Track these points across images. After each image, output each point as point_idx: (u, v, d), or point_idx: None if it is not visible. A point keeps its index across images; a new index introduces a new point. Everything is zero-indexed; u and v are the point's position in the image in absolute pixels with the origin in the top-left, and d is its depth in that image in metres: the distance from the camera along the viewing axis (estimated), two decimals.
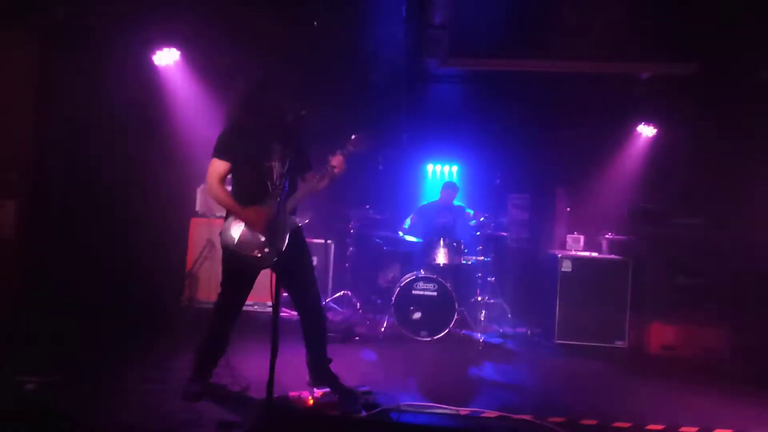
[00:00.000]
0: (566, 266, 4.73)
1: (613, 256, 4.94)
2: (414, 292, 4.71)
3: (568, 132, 6.00)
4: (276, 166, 2.98)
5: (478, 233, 5.17)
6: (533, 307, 5.41)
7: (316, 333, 3.24)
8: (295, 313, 3.32)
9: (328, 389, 3.11)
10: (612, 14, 4.65)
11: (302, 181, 3.17)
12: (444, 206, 5.74)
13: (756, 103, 4.97)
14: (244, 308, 3.28)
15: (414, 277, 4.76)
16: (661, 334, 4.63)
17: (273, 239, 2.68)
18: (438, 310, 4.66)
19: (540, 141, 6.07)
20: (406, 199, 6.37)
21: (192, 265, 5.19)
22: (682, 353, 4.56)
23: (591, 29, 4.84)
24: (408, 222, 5.59)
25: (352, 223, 5.25)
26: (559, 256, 4.77)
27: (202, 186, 5.38)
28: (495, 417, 3.03)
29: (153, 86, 5.13)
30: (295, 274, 3.12)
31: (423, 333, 4.63)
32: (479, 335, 4.69)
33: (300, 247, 3.14)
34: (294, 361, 3.46)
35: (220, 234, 3.03)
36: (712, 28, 4.64)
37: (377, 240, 5.49)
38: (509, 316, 5.38)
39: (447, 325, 4.62)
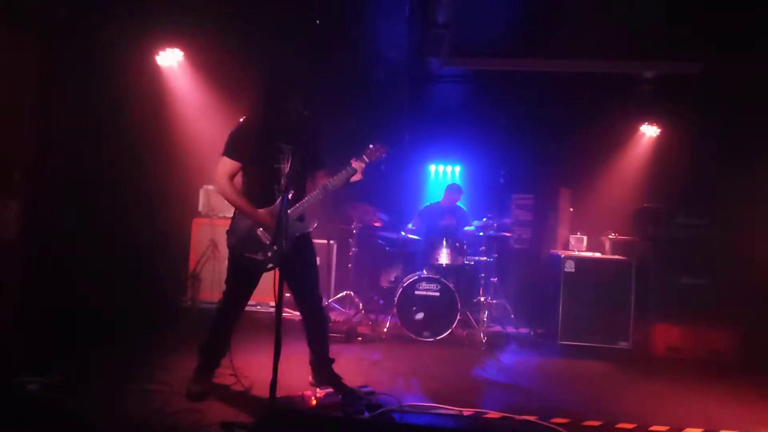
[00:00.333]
0: (569, 267, 4.72)
1: (616, 256, 4.92)
2: (417, 292, 4.70)
3: (571, 132, 6.00)
4: (285, 167, 2.99)
5: (481, 233, 5.17)
6: (536, 307, 5.39)
7: (318, 333, 3.24)
8: (298, 313, 3.32)
9: (330, 390, 3.11)
10: (615, 14, 4.63)
11: (312, 182, 3.18)
12: (447, 208, 5.74)
13: (759, 102, 4.94)
14: (247, 308, 3.29)
15: (417, 277, 4.75)
16: (666, 335, 4.61)
17: (278, 241, 2.68)
18: (441, 311, 4.65)
19: (543, 141, 6.06)
20: (408, 200, 6.37)
21: (194, 266, 5.19)
22: (686, 354, 4.53)
23: (594, 29, 4.82)
24: (411, 225, 5.61)
25: (354, 223, 5.24)
26: (563, 256, 4.75)
27: (204, 186, 5.38)
28: (498, 418, 3.02)
29: (156, 86, 5.13)
30: (299, 276, 3.13)
31: (426, 333, 4.62)
32: (482, 336, 4.67)
33: (306, 250, 3.14)
34: (297, 362, 3.47)
35: (227, 234, 3.03)
36: (715, 27, 4.62)
37: (380, 240, 5.49)
38: (512, 316, 5.37)
39: (450, 326, 4.61)
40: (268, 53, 4.90)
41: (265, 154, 2.98)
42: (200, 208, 5.38)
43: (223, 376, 3.20)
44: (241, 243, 2.99)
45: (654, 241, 4.78)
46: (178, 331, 4.46)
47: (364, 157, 3.14)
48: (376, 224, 5.27)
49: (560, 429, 2.88)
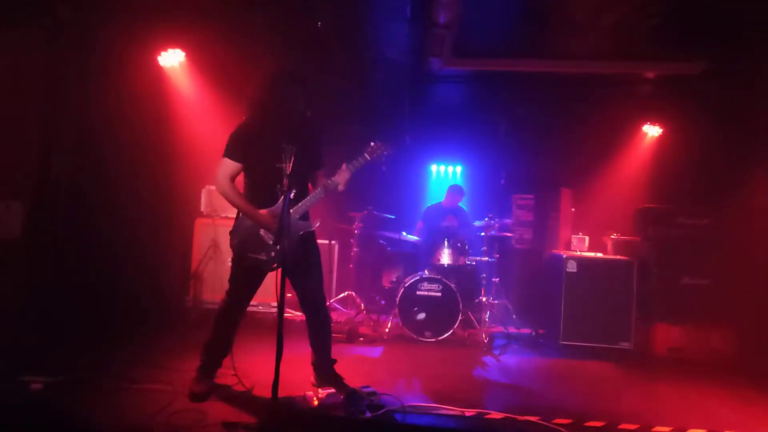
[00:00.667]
0: (571, 267, 4.71)
1: (618, 256, 4.91)
2: (418, 292, 4.70)
3: (572, 132, 5.99)
4: (287, 167, 2.99)
5: (482, 234, 5.17)
6: (538, 307, 5.39)
7: (321, 334, 3.25)
8: (300, 313, 3.33)
9: (332, 390, 3.11)
10: (617, 14, 4.62)
11: (312, 182, 3.18)
12: (449, 209, 5.75)
13: (761, 102, 4.93)
14: (249, 309, 3.29)
15: (418, 277, 4.76)
16: (667, 335, 4.61)
17: (281, 241, 2.69)
18: (442, 311, 4.65)
19: (544, 141, 6.06)
20: (410, 200, 6.37)
21: (197, 266, 5.20)
22: (688, 354, 4.53)
23: (596, 29, 4.82)
24: (417, 229, 5.63)
25: (356, 223, 5.25)
26: (564, 256, 4.75)
27: (206, 187, 5.39)
28: (500, 418, 3.02)
29: (158, 87, 5.14)
30: (302, 277, 3.13)
31: (427, 333, 4.62)
32: (484, 336, 4.68)
33: (309, 250, 3.15)
34: (299, 362, 3.47)
35: (230, 234, 3.04)
36: (717, 26, 4.61)
37: (381, 241, 5.49)
38: (514, 316, 5.37)
39: (451, 326, 4.61)
40: (270, 54, 4.91)
41: (267, 154, 2.98)
42: (202, 208, 5.39)
43: (225, 376, 3.21)
44: (244, 243, 3.00)
45: (655, 241, 4.78)
46: (180, 331, 4.47)
47: (365, 154, 3.14)
48: (381, 220, 5.27)
49: (562, 429, 2.88)
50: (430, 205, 5.99)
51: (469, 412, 3.04)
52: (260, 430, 2.58)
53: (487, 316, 4.93)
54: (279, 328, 2.48)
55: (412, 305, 4.68)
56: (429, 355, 4.29)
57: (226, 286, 3.16)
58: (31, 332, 3.75)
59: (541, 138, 6.08)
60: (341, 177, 3.09)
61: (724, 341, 4.53)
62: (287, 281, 2.81)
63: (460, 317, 4.63)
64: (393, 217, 5.28)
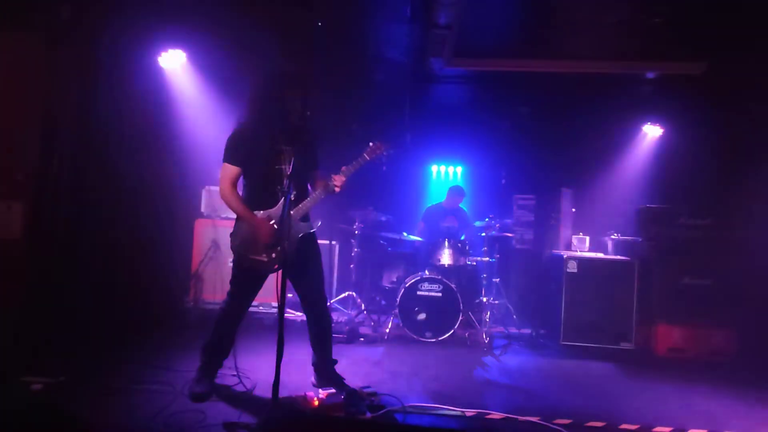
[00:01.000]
0: (572, 267, 4.71)
1: (619, 256, 4.91)
2: (419, 292, 4.70)
3: (573, 132, 5.99)
4: (285, 169, 2.98)
5: (483, 234, 5.17)
6: (538, 308, 5.39)
7: (322, 334, 3.25)
8: (301, 314, 3.33)
9: (333, 390, 3.11)
10: (618, 14, 4.62)
11: (311, 183, 3.18)
12: (449, 210, 5.75)
13: (763, 102, 4.93)
14: (250, 309, 3.29)
15: (419, 277, 4.75)
16: (668, 336, 4.61)
17: (281, 243, 2.69)
18: (443, 311, 4.65)
19: (545, 141, 6.06)
20: (410, 200, 6.37)
21: (197, 266, 5.20)
22: (689, 355, 4.53)
23: (597, 29, 4.82)
24: (418, 230, 5.64)
25: (356, 224, 5.25)
26: (565, 256, 4.75)
27: (207, 187, 5.39)
28: (501, 418, 3.01)
29: (159, 88, 5.14)
30: (304, 277, 3.14)
31: (428, 334, 4.62)
32: (484, 336, 4.67)
33: (310, 251, 3.15)
34: (299, 362, 3.47)
35: (231, 236, 3.04)
36: (719, 27, 4.61)
37: (382, 241, 5.49)
38: (514, 317, 5.37)
39: (452, 326, 4.61)
40: (271, 54, 4.91)
41: (266, 156, 2.98)
42: (202, 208, 5.39)
43: (225, 376, 3.21)
44: (245, 245, 3.00)
45: (656, 241, 4.78)
46: (181, 331, 4.47)
47: (364, 155, 3.15)
48: (381, 220, 5.27)
49: (563, 430, 2.87)
50: (430, 205, 5.99)
51: (470, 413, 3.03)
52: (260, 430, 2.57)
53: (487, 316, 4.93)
54: (279, 328, 2.47)
55: (413, 305, 4.67)
56: (429, 356, 4.29)
57: (227, 286, 3.16)
58: (32, 332, 3.75)
59: (542, 138, 6.08)
60: (340, 178, 3.09)
61: (725, 341, 4.53)
62: (288, 281, 2.81)
63: (460, 317, 4.63)
64: (385, 219, 5.27)
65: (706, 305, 4.55)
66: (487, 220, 5.19)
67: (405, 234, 5.28)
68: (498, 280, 5.37)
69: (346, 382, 3.21)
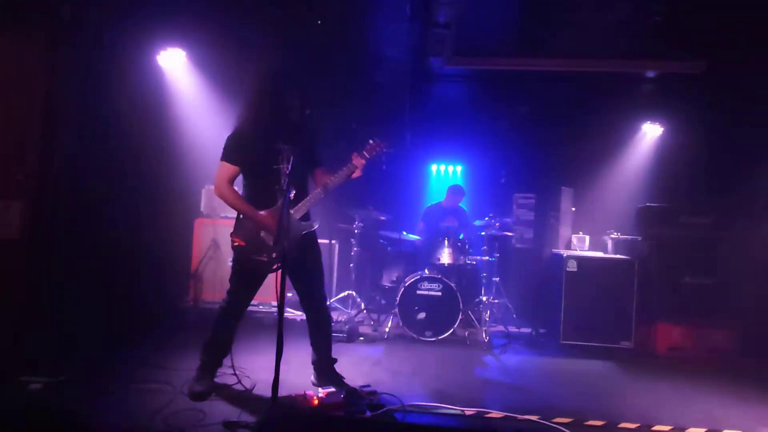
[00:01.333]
0: (572, 266, 4.71)
1: (618, 255, 4.91)
2: (418, 292, 4.70)
3: (573, 131, 5.99)
4: (285, 168, 2.98)
5: (483, 233, 5.16)
6: (538, 307, 5.38)
7: (321, 333, 3.25)
8: (300, 313, 3.33)
9: (333, 389, 3.11)
10: (618, 13, 4.62)
11: (312, 181, 3.18)
12: (449, 209, 5.75)
13: (763, 101, 4.93)
14: (250, 308, 3.29)
15: (418, 277, 4.75)
16: (668, 335, 4.61)
17: (282, 241, 2.69)
18: (442, 310, 4.65)
19: (545, 140, 6.06)
20: (410, 200, 6.37)
21: (197, 266, 5.20)
22: (688, 354, 4.53)
23: (596, 27, 4.82)
24: (418, 229, 5.63)
25: (356, 223, 5.25)
26: (565, 255, 4.75)
27: (206, 187, 5.39)
28: (500, 417, 3.01)
29: (158, 87, 5.14)
30: (304, 276, 3.14)
31: (427, 333, 4.62)
32: (484, 335, 4.67)
33: (310, 250, 3.14)
34: (299, 361, 3.47)
35: (231, 236, 3.04)
36: (719, 26, 4.61)
37: (381, 240, 5.49)
38: (514, 316, 5.36)
39: (452, 325, 4.61)
40: (270, 53, 4.91)
41: (265, 155, 2.98)
42: (202, 208, 5.39)
43: (225, 375, 3.21)
44: (245, 244, 2.99)
45: (656, 240, 4.77)
46: (180, 330, 4.47)
47: (364, 153, 3.14)
48: (381, 219, 5.27)
49: (562, 429, 2.87)
50: (430, 204, 5.99)
51: (469, 411, 3.04)
52: (260, 429, 2.57)
53: (487, 315, 4.93)
54: (279, 327, 2.47)
55: (413, 305, 4.67)
56: (429, 355, 4.29)
57: (226, 286, 3.16)
58: (32, 332, 3.75)
59: (542, 137, 6.08)
60: (341, 176, 3.09)
61: (725, 341, 4.53)
62: (288, 281, 2.81)
63: (460, 317, 4.63)
64: (385, 218, 5.26)
65: (706, 304, 4.55)
66: (486, 219, 5.19)
67: (405, 233, 5.28)
68: (498, 279, 5.37)
69: (345, 381, 3.21)
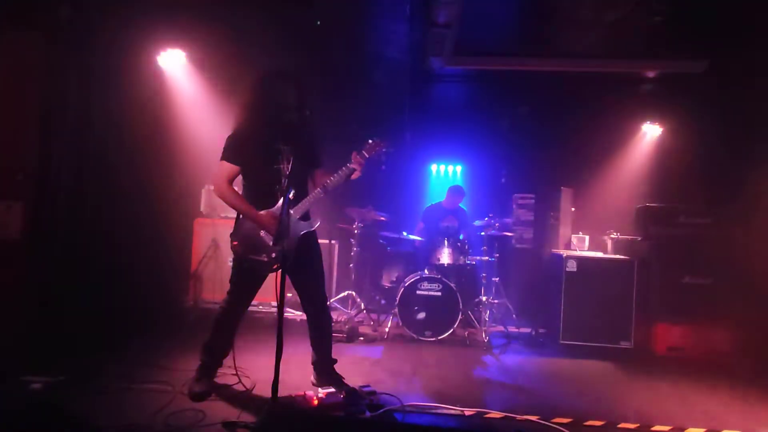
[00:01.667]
0: (571, 266, 4.71)
1: (618, 255, 4.91)
2: (418, 292, 4.70)
3: (573, 131, 5.99)
4: (285, 168, 2.98)
5: (482, 233, 5.17)
6: (538, 307, 5.39)
7: (321, 334, 3.25)
8: (300, 313, 3.33)
9: (332, 389, 3.11)
10: (618, 12, 4.62)
11: (311, 181, 3.18)
12: (449, 209, 5.75)
13: (763, 101, 4.93)
14: (250, 308, 3.29)
15: (418, 277, 4.75)
16: (668, 335, 4.61)
17: (282, 241, 2.69)
18: (442, 310, 4.65)
19: (545, 140, 6.06)
20: (410, 200, 6.37)
21: (197, 266, 5.21)
22: (688, 354, 4.52)
23: (597, 28, 4.82)
24: (417, 229, 5.63)
25: (356, 223, 5.25)
26: (564, 255, 4.75)
27: (206, 187, 5.40)
28: (500, 417, 3.02)
29: (158, 87, 5.14)
30: (304, 277, 3.14)
31: (427, 333, 4.62)
32: (484, 335, 4.67)
33: (310, 251, 3.15)
34: (299, 361, 3.48)
35: (231, 236, 3.04)
36: (720, 25, 4.61)
37: (381, 240, 5.49)
38: (514, 316, 5.37)
39: (451, 325, 4.61)
40: (270, 53, 4.91)
41: (265, 155, 2.98)
42: (202, 208, 5.39)
43: (225, 375, 3.21)
44: (245, 244, 3.00)
45: (656, 240, 4.77)
46: (180, 330, 4.48)
47: (363, 152, 3.14)
48: (381, 219, 5.27)
49: (562, 429, 2.87)
50: (430, 204, 5.99)
51: (469, 412, 3.04)
52: (260, 429, 2.58)
53: (487, 315, 4.93)
54: (279, 327, 2.48)
55: (412, 305, 4.68)
56: (429, 355, 4.29)
57: (226, 286, 3.16)
58: (31, 332, 3.75)
59: (542, 137, 6.08)
60: (340, 176, 3.09)
61: (725, 341, 4.53)
62: (288, 281, 2.81)
63: (460, 317, 4.63)
64: (384, 218, 5.26)
65: (706, 304, 4.55)
66: (486, 219, 5.19)
67: (405, 233, 5.28)
68: (497, 279, 5.37)
69: (345, 381, 3.21)
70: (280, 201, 2.91)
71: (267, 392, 2.53)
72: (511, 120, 6.24)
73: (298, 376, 3.34)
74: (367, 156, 3.13)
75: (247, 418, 2.75)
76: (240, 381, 3.15)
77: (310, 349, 3.28)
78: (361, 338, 4.65)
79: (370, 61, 5.60)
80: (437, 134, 6.39)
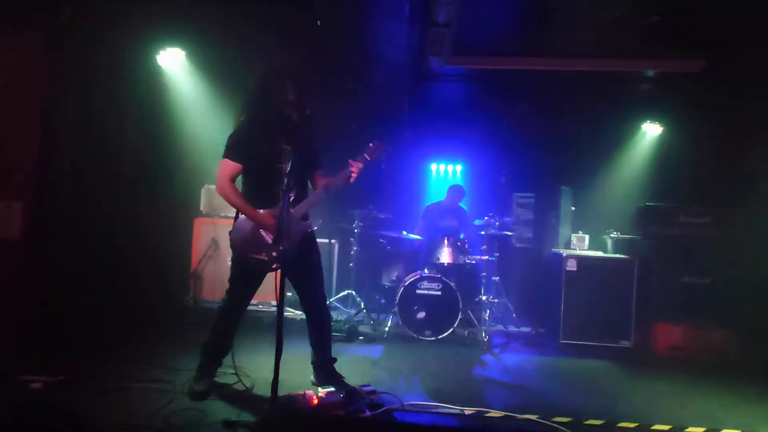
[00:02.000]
0: (571, 265, 4.71)
1: (618, 255, 4.91)
2: (418, 291, 4.71)
3: (573, 130, 5.99)
4: (286, 167, 2.98)
5: (482, 232, 5.17)
6: (538, 306, 5.39)
7: (321, 333, 3.25)
8: (300, 312, 3.33)
9: (332, 389, 3.11)
10: (616, 12, 4.62)
11: (310, 182, 3.19)
12: (449, 209, 5.75)
13: (762, 100, 4.92)
14: (250, 308, 3.29)
15: (418, 276, 4.76)
16: (667, 334, 4.61)
17: (281, 241, 2.69)
18: (442, 310, 4.65)
19: (545, 139, 6.06)
20: (410, 199, 6.37)
21: (196, 265, 5.21)
22: (688, 353, 4.53)
23: (596, 27, 4.81)
24: (417, 228, 5.64)
25: (356, 222, 5.25)
26: (564, 255, 4.75)
27: (206, 186, 5.39)
28: (500, 417, 3.02)
29: (157, 87, 5.14)
30: (303, 276, 3.14)
31: (427, 332, 4.62)
32: (484, 335, 4.68)
33: (309, 250, 3.15)
34: (298, 361, 3.47)
35: (230, 235, 3.04)
36: (718, 25, 4.60)
37: (381, 240, 5.49)
38: (514, 315, 5.37)
39: (451, 325, 4.62)
40: (270, 53, 4.91)
41: (266, 154, 2.98)
42: (202, 207, 5.39)
43: (225, 375, 3.21)
44: (245, 244, 3.00)
45: (656, 239, 4.78)
46: (180, 330, 4.48)
47: (365, 155, 3.15)
48: (381, 219, 5.28)
49: (562, 428, 2.87)
50: (430, 204, 5.99)
51: (469, 411, 3.04)
52: (260, 429, 2.58)
53: (487, 314, 4.93)
54: (279, 327, 2.48)
55: (412, 304, 4.68)
56: (429, 354, 4.30)
57: (226, 285, 3.16)
58: (31, 331, 3.75)
59: (542, 136, 6.08)
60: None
61: (725, 340, 4.53)
62: (287, 280, 2.81)
63: (460, 316, 4.63)
64: (384, 217, 5.27)
65: (706, 303, 4.56)
66: (486, 218, 5.19)
67: (404, 232, 5.28)
68: (497, 278, 5.37)
69: (345, 380, 3.21)
70: (281, 200, 2.91)
71: (267, 392, 2.53)
72: (510, 119, 6.24)
73: (298, 376, 3.34)
74: (368, 159, 3.14)
75: (247, 417, 2.75)
76: (240, 380, 3.15)
77: (310, 348, 3.28)
78: (361, 337, 4.65)
79: (370, 61, 5.59)
80: (437, 133, 6.39)
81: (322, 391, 3.06)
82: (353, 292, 5.43)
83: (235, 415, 2.77)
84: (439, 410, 3.03)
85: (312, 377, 3.30)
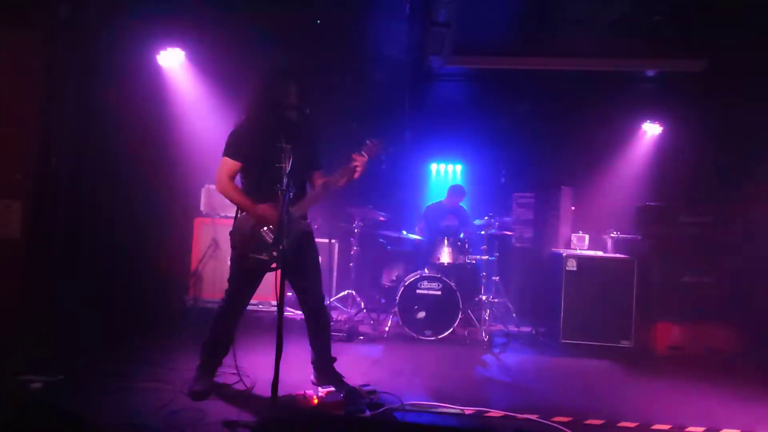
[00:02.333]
0: (571, 265, 4.71)
1: (618, 254, 4.91)
2: (418, 291, 4.70)
3: (573, 130, 5.99)
4: (286, 166, 2.98)
5: (482, 232, 5.16)
6: (538, 306, 5.39)
7: (320, 333, 3.25)
8: (300, 312, 3.33)
9: (332, 388, 3.11)
10: (617, 11, 4.62)
11: (309, 182, 3.18)
12: (450, 208, 5.75)
13: (763, 100, 4.92)
14: (249, 307, 3.29)
15: (418, 276, 4.75)
16: (668, 334, 4.60)
17: (281, 240, 2.69)
18: (442, 310, 4.65)
19: (545, 139, 6.06)
20: (410, 199, 6.37)
21: (197, 265, 5.20)
22: (688, 352, 4.53)
23: (596, 26, 4.82)
24: (417, 228, 5.64)
25: (356, 222, 5.24)
26: (564, 255, 4.75)
27: (206, 186, 5.39)
28: (500, 416, 3.02)
29: (157, 86, 5.14)
30: (302, 276, 3.13)
31: (427, 332, 4.62)
32: (484, 334, 4.67)
33: (309, 250, 3.15)
34: (299, 361, 3.47)
35: (230, 234, 3.04)
36: (720, 24, 4.60)
37: (381, 239, 5.49)
38: (514, 315, 5.37)
39: (451, 325, 4.61)
40: (270, 53, 4.91)
41: (266, 153, 2.98)
42: (202, 207, 5.39)
43: (225, 375, 3.21)
44: (244, 243, 2.99)
45: (656, 239, 4.77)
46: (180, 330, 4.48)
47: (362, 153, 3.14)
48: (381, 219, 5.27)
49: (562, 428, 2.87)
50: (430, 204, 5.99)
51: (469, 411, 3.04)
52: (260, 428, 2.57)
53: (487, 314, 4.93)
54: (279, 326, 2.47)
55: (412, 304, 4.68)
56: (429, 354, 4.29)
57: (226, 284, 3.16)
58: (31, 331, 3.75)
59: (542, 136, 6.08)
60: (339, 176, 3.08)
61: (725, 340, 4.53)
62: (287, 280, 2.80)
63: (460, 316, 4.63)
64: (384, 217, 5.26)
65: (706, 303, 4.55)
66: (486, 218, 5.18)
67: (404, 232, 5.28)
68: (497, 278, 5.37)
69: (345, 380, 3.21)
70: (281, 199, 2.91)
71: (267, 391, 2.53)
72: (511, 119, 6.24)
73: (298, 376, 3.34)
74: (366, 157, 3.13)
75: (247, 417, 2.75)
76: (240, 380, 3.15)
77: (310, 348, 3.28)
78: (361, 337, 4.65)
79: (370, 61, 5.59)
80: (437, 133, 6.39)
81: (322, 391, 3.06)
82: (353, 292, 5.43)
83: (235, 415, 2.77)
84: (439, 410, 3.03)
85: (312, 377, 3.30)
